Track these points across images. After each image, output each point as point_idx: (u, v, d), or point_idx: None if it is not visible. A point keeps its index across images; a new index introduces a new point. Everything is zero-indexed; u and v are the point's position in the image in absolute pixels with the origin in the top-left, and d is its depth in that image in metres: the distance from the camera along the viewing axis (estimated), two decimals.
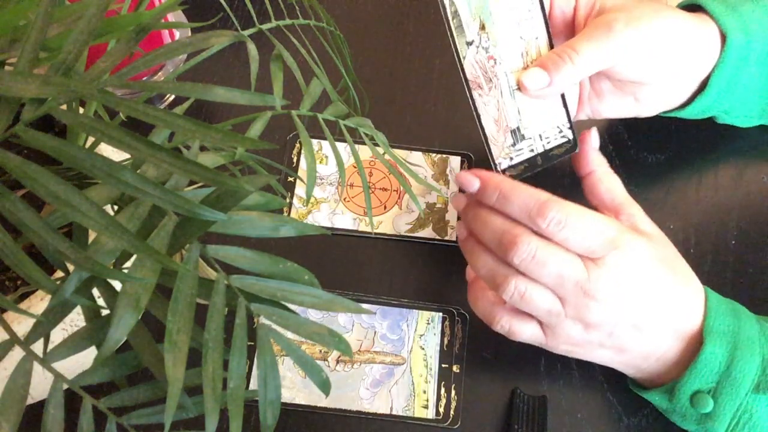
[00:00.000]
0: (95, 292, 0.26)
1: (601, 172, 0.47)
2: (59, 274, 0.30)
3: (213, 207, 0.23)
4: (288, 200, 0.55)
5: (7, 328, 0.26)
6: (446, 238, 0.54)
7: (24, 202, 0.22)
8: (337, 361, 0.49)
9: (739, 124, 0.53)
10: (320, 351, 0.50)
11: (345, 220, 0.54)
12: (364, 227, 0.54)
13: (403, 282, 0.52)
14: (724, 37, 0.47)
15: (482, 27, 0.44)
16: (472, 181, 0.44)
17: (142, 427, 0.28)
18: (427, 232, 0.54)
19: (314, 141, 0.57)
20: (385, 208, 0.55)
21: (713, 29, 0.48)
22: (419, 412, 0.48)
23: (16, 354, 0.25)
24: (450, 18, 0.44)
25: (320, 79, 0.36)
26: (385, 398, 0.48)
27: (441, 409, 0.48)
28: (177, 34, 0.57)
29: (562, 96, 0.47)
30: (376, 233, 0.54)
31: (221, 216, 0.23)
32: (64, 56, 0.25)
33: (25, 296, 0.35)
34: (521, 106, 0.47)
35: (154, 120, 0.22)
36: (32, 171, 0.22)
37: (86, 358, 0.26)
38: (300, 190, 0.55)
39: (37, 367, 0.26)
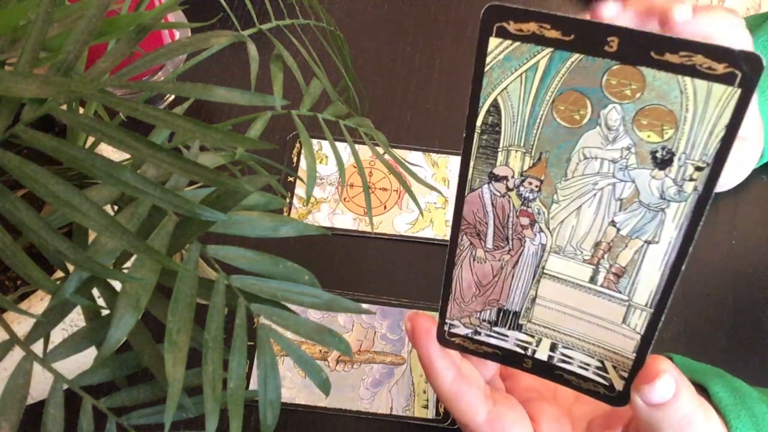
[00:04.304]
0: (95, 292, 0.26)
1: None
2: (59, 274, 0.30)
3: (213, 207, 0.23)
4: (288, 200, 0.55)
5: (7, 328, 0.26)
6: (446, 237, 0.54)
7: (24, 202, 0.22)
8: (337, 361, 0.49)
9: None
10: (320, 351, 0.50)
11: (345, 220, 0.54)
12: (364, 227, 0.54)
13: (403, 282, 0.52)
14: None
15: (534, 165, 0.27)
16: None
17: (142, 427, 0.28)
18: (427, 232, 0.54)
19: (314, 141, 0.57)
20: (385, 208, 0.55)
21: None
22: (419, 412, 0.48)
23: (16, 354, 0.25)
24: (478, 125, 0.27)
25: (320, 79, 0.36)
26: (385, 398, 0.48)
27: (441, 409, 0.48)
28: (177, 34, 0.57)
29: (651, 325, 0.28)
30: (376, 233, 0.54)
31: (221, 216, 0.23)
32: (64, 56, 0.25)
33: (25, 296, 0.35)
34: (547, 300, 0.29)
35: (154, 120, 0.22)
36: (32, 171, 0.22)
37: (86, 358, 0.26)
38: (300, 190, 0.55)
39: (37, 367, 0.26)
